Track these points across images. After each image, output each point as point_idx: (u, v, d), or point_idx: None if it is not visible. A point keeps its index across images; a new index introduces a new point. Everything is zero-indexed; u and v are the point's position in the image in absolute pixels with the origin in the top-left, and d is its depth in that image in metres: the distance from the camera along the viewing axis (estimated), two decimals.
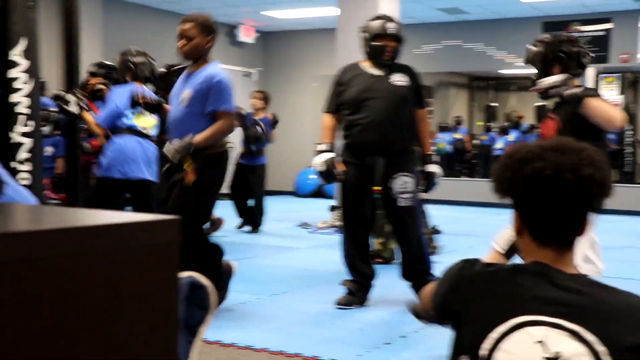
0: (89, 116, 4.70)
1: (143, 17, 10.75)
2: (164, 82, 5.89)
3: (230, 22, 11.78)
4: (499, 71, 12.73)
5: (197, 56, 3.77)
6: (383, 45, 4.06)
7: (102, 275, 0.95)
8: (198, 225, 3.79)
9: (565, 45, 3.37)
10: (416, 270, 4.15)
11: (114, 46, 9.82)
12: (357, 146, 4.07)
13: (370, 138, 4.02)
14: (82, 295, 0.92)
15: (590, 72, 10.96)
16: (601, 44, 10.50)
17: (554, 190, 1.36)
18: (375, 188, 4.04)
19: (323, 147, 4.13)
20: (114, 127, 4.72)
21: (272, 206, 8.10)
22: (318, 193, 11.97)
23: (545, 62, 3.36)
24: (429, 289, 1.58)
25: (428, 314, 1.60)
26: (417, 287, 4.09)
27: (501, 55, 11.25)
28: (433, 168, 4.20)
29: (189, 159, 3.67)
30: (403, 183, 4.04)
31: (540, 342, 1.30)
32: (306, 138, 12.72)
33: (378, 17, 4.22)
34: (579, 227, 1.40)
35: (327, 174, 4.11)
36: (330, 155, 4.09)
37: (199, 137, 3.65)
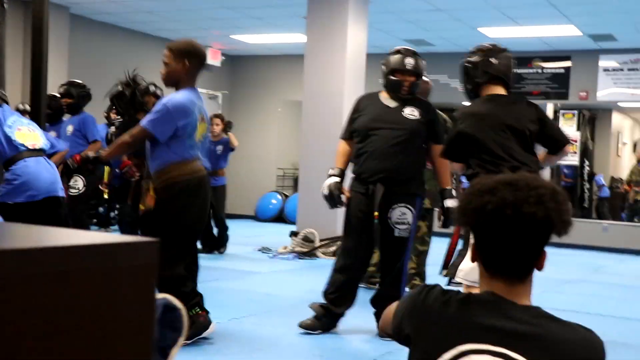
0: None
1: (111, 35, 10.67)
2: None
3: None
4: (463, 103, 12.95)
5: (175, 82, 3.69)
6: (401, 80, 4.10)
7: (81, 295, 0.96)
8: (169, 266, 3.53)
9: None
10: (388, 298, 4.15)
11: (79, 64, 9.77)
12: (362, 174, 4.10)
13: (373, 166, 4.04)
14: (61, 315, 0.93)
15: (550, 107, 11.26)
16: (561, 80, 10.79)
17: (495, 225, 1.38)
18: (375, 214, 4.05)
19: (333, 171, 4.19)
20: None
21: (233, 230, 8.06)
22: (279, 218, 11.96)
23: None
24: (391, 309, 1.59)
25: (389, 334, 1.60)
26: (380, 315, 4.10)
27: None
28: (451, 203, 4.13)
29: (150, 184, 3.64)
30: (401, 214, 4.05)
31: None
32: (269, 162, 12.75)
33: (397, 51, 4.21)
34: (531, 261, 1.41)
35: (330, 198, 4.14)
36: (337, 179, 4.14)
37: (102, 150, 3.96)
